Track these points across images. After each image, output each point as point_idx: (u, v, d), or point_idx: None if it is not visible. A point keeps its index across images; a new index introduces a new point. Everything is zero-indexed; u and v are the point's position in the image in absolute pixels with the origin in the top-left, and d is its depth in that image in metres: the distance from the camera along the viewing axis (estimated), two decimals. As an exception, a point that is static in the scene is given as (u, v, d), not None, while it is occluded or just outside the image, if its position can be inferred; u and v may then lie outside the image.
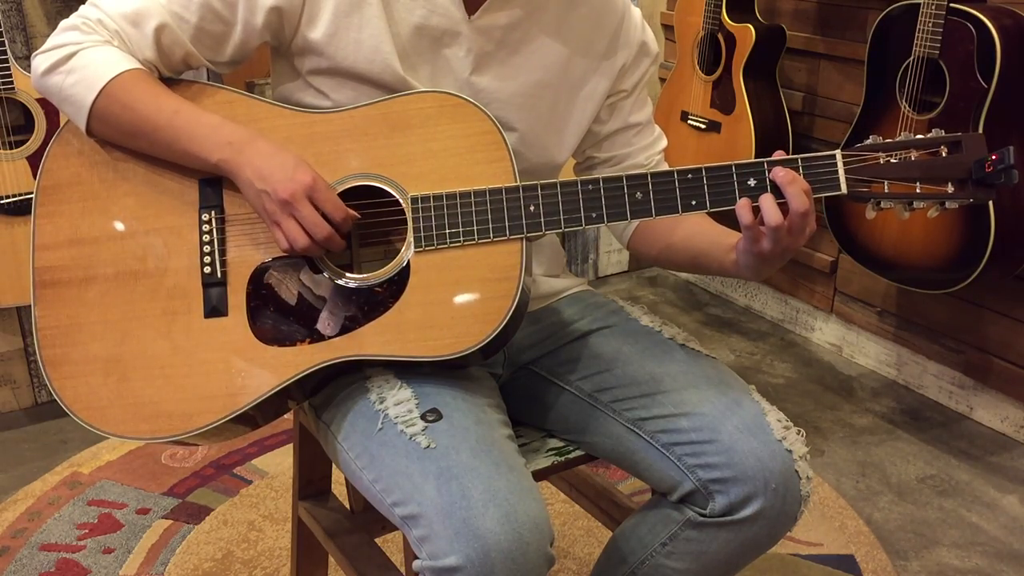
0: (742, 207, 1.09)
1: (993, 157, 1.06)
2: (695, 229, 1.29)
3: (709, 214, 1.17)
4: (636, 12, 1.35)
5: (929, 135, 1.09)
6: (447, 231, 1.13)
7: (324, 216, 1.12)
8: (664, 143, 1.41)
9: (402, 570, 1.36)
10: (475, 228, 1.13)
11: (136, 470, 2.20)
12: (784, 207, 1.08)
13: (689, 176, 1.12)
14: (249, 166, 1.13)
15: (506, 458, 1.09)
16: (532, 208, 1.13)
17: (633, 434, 1.24)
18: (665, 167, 1.40)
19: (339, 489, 1.64)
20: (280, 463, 2.23)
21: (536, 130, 1.28)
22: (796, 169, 1.10)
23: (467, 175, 1.14)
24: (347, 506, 1.59)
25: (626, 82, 1.34)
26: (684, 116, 2.76)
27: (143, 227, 1.19)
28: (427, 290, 1.13)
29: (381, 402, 1.15)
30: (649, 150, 1.38)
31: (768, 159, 1.11)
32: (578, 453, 1.32)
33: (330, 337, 1.14)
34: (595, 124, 1.35)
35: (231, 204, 1.18)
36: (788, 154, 1.11)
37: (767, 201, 1.09)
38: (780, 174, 1.08)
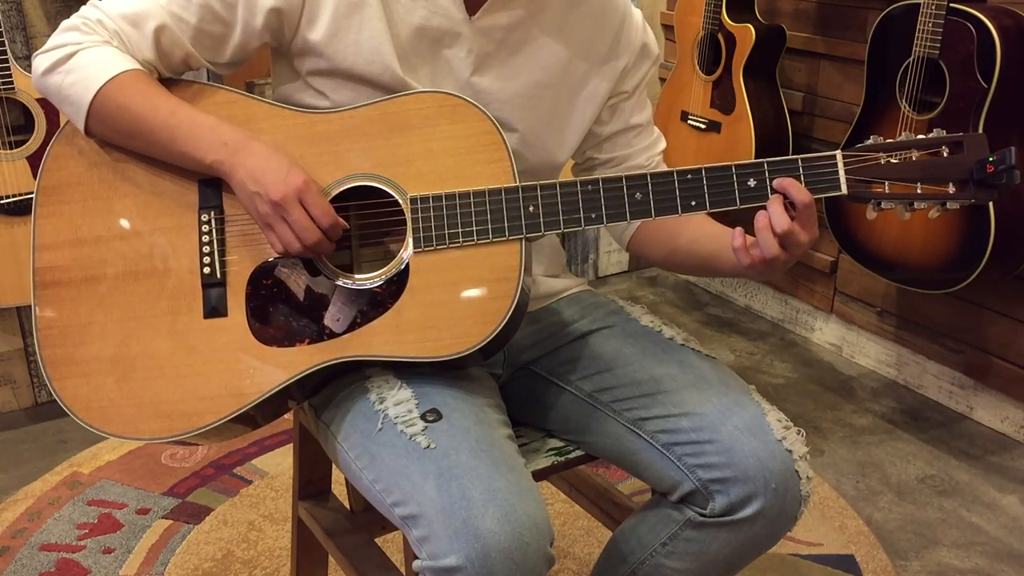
0: (737, 236, 1.12)
1: (994, 158, 1.06)
2: (700, 232, 1.29)
3: (709, 215, 1.17)
4: (637, 13, 1.35)
5: (930, 135, 1.09)
6: (446, 232, 1.13)
7: (314, 220, 1.12)
8: (663, 144, 1.41)
9: (402, 570, 1.36)
10: (474, 229, 1.13)
11: (136, 470, 2.20)
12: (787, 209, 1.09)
13: (689, 177, 1.12)
14: (243, 167, 1.13)
15: (506, 458, 1.09)
16: (531, 209, 1.13)
17: (633, 434, 1.24)
18: (664, 169, 1.40)
19: (339, 489, 1.64)
20: (280, 463, 2.23)
21: (537, 131, 1.28)
22: (796, 169, 1.10)
23: (466, 175, 1.14)
24: (347, 506, 1.59)
25: (627, 83, 1.34)
26: (684, 116, 2.76)
27: (143, 227, 1.19)
28: (426, 291, 1.13)
29: (381, 402, 1.15)
30: (649, 151, 1.38)
31: (768, 160, 1.11)
32: (578, 453, 1.32)
33: (329, 338, 1.14)
34: (596, 125, 1.35)
35: (230, 205, 1.18)
36: (789, 154, 1.11)
37: (761, 216, 1.10)
38: (771, 204, 1.11)
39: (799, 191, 1.09)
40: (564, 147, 1.33)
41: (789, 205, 1.10)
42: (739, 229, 1.13)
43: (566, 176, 1.23)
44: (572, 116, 1.31)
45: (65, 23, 1.19)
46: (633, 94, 1.36)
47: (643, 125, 1.38)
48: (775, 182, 1.10)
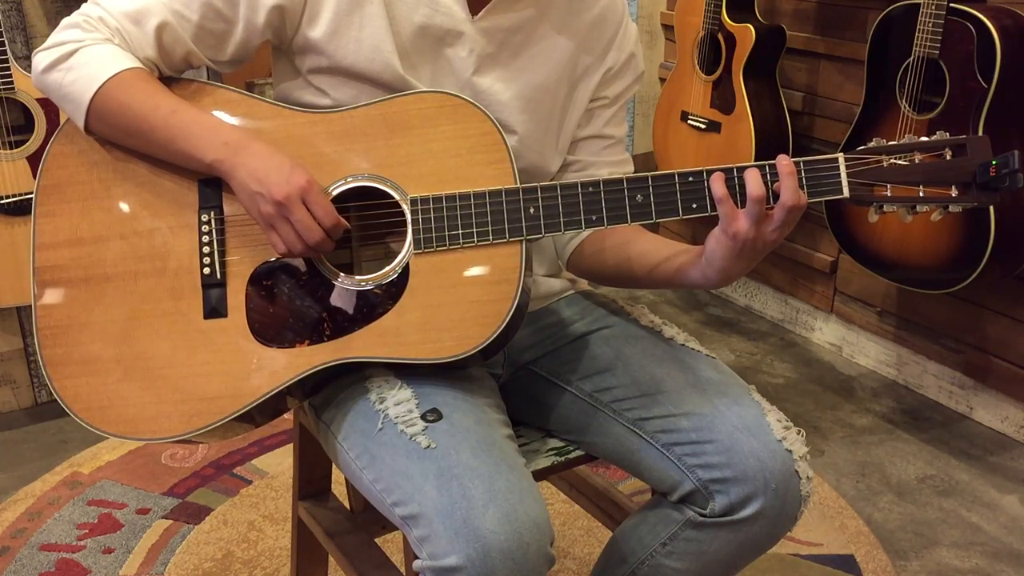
0: (715, 179, 1.08)
1: (997, 161, 1.05)
2: (652, 244, 1.27)
3: (708, 218, 1.17)
4: (632, 26, 1.35)
5: (933, 138, 1.09)
6: (447, 233, 1.13)
7: (317, 221, 1.12)
8: (630, 168, 1.39)
9: (402, 570, 1.36)
10: (475, 230, 1.13)
11: (136, 470, 2.20)
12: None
13: (690, 179, 1.11)
14: (244, 167, 1.13)
15: (506, 458, 1.09)
16: (532, 210, 1.13)
17: (633, 434, 1.24)
18: None
19: (339, 489, 1.64)
20: (280, 463, 2.23)
21: (535, 135, 1.28)
22: (798, 171, 1.09)
23: (467, 176, 1.14)
24: (347, 506, 1.59)
25: (609, 89, 1.34)
26: (684, 116, 2.76)
27: (143, 227, 1.19)
28: (426, 292, 1.13)
29: (381, 402, 1.15)
30: (614, 167, 1.36)
31: (769, 162, 1.10)
32: (578, 453, 1.32)
33: (330, 338, 1.14)
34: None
35: (230, 205, 1.18)
36: (789, 156, 1.10)
37: (752, 175, 1.07)
38: (784, 162, 1.08)
39: (789, 193, 1.07)
40: (557, 152, 1.32)
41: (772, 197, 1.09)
42: (719, 174, 1.09)
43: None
44: (566, 122, 1.31)
45: (66, 20, 1.19)
46: (612, 104, 1.35)
47: (615, 139, 1.37)
48: (778, 159, 1.08)
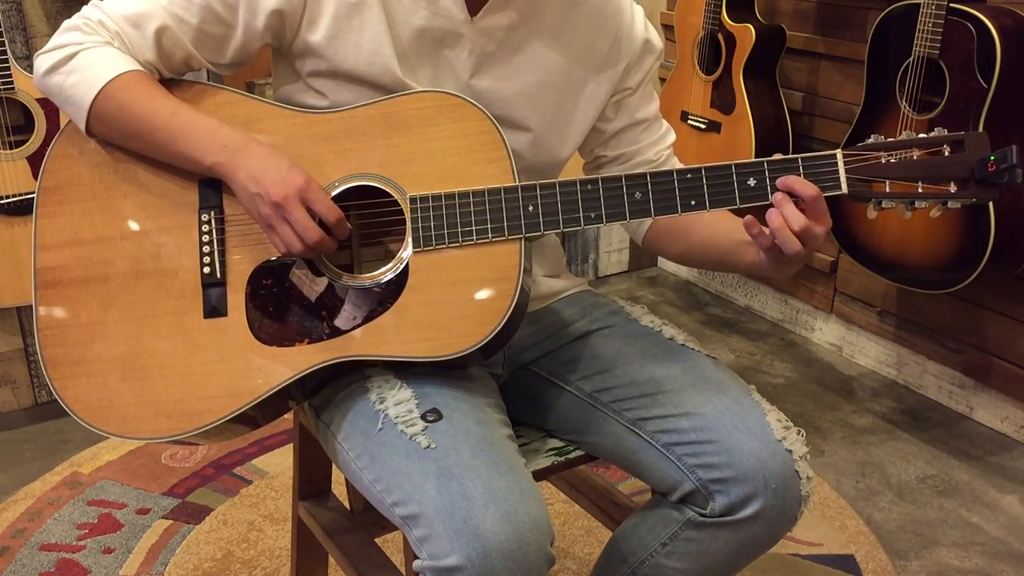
0: (750, 225, 1.11)
1: (995, 156, 1.05)
2: (714, 229, 1.29)
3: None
4: (639, 11, 1.35)
5: (932, 134, 1.09)
6: (446, 231, 1.13)
7: (319, 219, 1.12)
8: (673, 137, 1.40)
9: (402, 570, 1.36)
10: (474, 228, 1.13)
11: (136, 470, 2.20)
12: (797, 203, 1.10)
13: (688, 176, 1.12)
14: (243, 169, 1.13)
15: (506, 458, 1.09)
16: (531, 208, 1.13)
17: (633, 434, 1.24)
18: (675, 161, 1.40)
19: (339, 489, 1.64)
20: (280, 463, 2.23)
21: (543, 127, 1.28)
22: (796, 168, 1.10)
23: (466, 175, 1.14)
24: (347, 506, 1.59)
25: (630, 79, 1.34)
26: (684, 116, 2.76)
27: (143, 228, 1.19)
28: (426, 290, 1.13)
29: (381, 402, 1.15)
30: (658, 145, 1.38)
31: (768, 159, 1.11)
32: (578, 453, 1.32)
33: (329, 337, 1.14)
34: (601, 122, 1.35)
35: (231, 205, 1.18)
36: (788, 155, 1.11)
37: (775, 217, 1.10)
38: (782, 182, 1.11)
39: (804, 186, 1.09)
40: (567, 145, 1.32)
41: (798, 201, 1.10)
42: (750, 217, 1.12)
43: (571, 174, 1.23)
44: (575, 114, 1.31)
45: (67, 23, 1.20)
46: (637, 89, 1.35)
47: (650, 119, 1.37)
48: (779, 181, 1.10)
